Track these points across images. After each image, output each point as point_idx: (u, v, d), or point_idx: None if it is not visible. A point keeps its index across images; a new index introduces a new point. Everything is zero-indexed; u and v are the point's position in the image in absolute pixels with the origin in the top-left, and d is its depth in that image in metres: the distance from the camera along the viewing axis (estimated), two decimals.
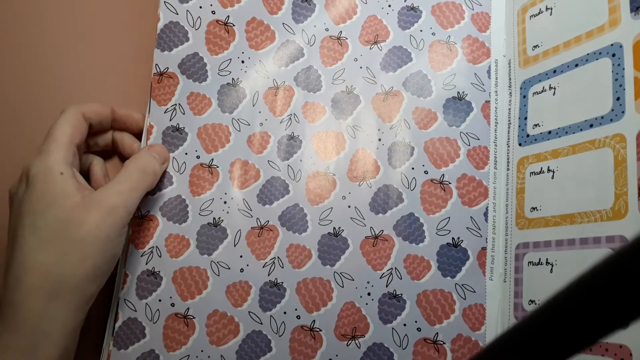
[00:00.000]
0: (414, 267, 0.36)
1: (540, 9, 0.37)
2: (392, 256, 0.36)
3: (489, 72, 0.37)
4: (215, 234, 0.36)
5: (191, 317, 0.34)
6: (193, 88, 0.37)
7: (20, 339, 0.28)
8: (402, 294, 0.35)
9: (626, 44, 0.32)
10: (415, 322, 0.35)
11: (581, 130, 0.33)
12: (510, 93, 0.38)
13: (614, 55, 0.32)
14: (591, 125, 0.33)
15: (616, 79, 0.32)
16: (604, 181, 0.31)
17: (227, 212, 0.36)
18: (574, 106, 0.34)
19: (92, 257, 0.30)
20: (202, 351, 0.33)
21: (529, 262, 0.34)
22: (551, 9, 0.36)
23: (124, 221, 0.32)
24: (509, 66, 0.38)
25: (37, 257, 0.29)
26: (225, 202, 0.36)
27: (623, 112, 0.31)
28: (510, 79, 0.38)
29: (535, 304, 0.33)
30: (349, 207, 0.37)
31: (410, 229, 0.36)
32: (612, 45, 0.33)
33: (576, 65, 0.34)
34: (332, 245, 0.36)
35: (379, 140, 0.38)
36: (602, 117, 0.32)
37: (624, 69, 0.32)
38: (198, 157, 0.36)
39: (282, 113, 0.37)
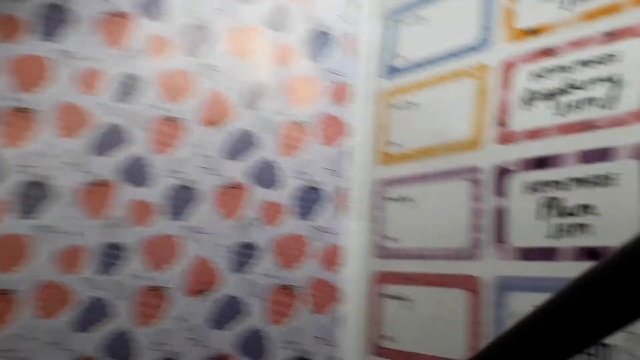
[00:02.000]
0: (270, 212, 0.35)
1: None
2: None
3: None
4: None
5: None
6: None
7: None
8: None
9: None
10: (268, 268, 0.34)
11: (445, 60, 0.32)
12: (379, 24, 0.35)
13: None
14: (456, 55, 0.31)
15: (485, 9, 0.31)
16: (464, 111, 0.30)
17: None
18: (440, 34, 0.32)
19: None
20: None
21: (389, 198, 0.33)
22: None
23: None
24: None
25: None
26: None
27: (490, 41, 0.30)
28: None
29: (396, 240, 0.32)
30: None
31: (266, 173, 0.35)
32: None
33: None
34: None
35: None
36: (467, 47, 0.31)
37: None
38: None
39: None
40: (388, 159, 0.33)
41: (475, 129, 0.30)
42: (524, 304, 0.27)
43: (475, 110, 0.30)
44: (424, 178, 0.31)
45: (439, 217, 0.31)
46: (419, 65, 0.32)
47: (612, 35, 0.27)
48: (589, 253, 0.26)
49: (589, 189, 0.26)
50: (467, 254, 0.30)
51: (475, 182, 0.29)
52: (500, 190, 0.29)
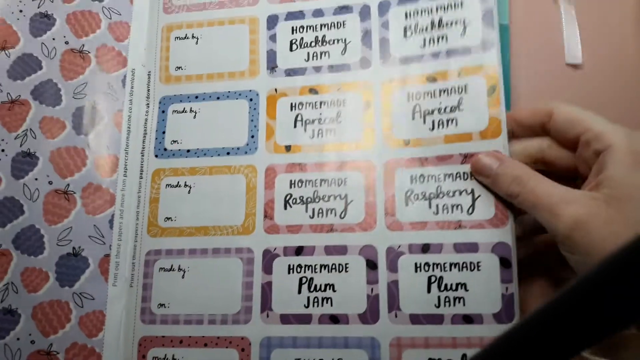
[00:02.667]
0: (31, 280, 0.33)
1: (186, 34, 0.39)
2: (9, 271, 0.35)
3: (124, 81, 0.36)
4: None
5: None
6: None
7: None
8: (17, 309, 0.34)
9: (262, 94, 0.38)
10: (30, 334, 0.33)
11: (219, 155, 0.37)
12: (148, 104, 0.38)
13: (251, 99, 0.37)
14: (228, 153, 0.37)
15: (252, 120, 0.37)
16: (237, 201, 0.36)
17: None
18: (213, 133, 0.37)
19: None
20: None
21: (160, 268, 0.36)
22: (197, 38, 0.39)
23: None
24: (149, 77, 0.38)
25: None
26: None
27: (256, 148, 0.36)
28: (149, 91, 0.38)
29: (165, 307, 0.35)
30: None
31: (30, 240, 0.33)
32: (250, 90, 0.38)
33: (218, 97, 0.37)
34: None
35: (2, 150, 0.38)
36: (239, 148, 0.37)
37: (259, 113, 0.37)
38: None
39: None
40: (161, 231, 0.34)
41: (248, 218, 0.34)
42: (286, 357, 0.33)
43: (246, 202, 0.35)
44: (197, 252, 0.34)
45: (213, 287, 0.34)
46: (193, 152, 0.36)
47: (342, 164, 0.36)
48: (331, 318, 0.33)
49: (331, 273, 0.34)
50: (239, 319, 0.33)
51: (248, 261, 0.34)
52: (267, 269, 0.34)
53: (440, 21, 0.35)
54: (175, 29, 0.38)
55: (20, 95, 0.38)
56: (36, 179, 0.37)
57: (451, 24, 0.35)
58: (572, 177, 0.31)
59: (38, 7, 0.40)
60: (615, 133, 0.27)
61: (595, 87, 0.37)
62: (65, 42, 0.39)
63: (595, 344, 0.14)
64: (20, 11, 0.40)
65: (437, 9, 0.35)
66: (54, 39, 0.40)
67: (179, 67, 0.37)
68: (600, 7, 0.39)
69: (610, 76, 0.37)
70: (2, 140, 0.38)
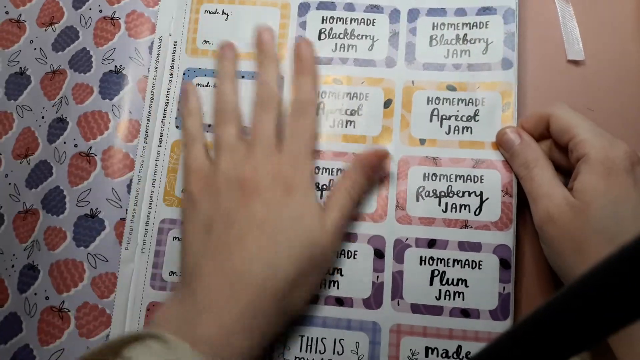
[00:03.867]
0: (52, 239, 0.34)
1: (217, 9, 0.39)
2: (36, 229, 0.36)
3: (150, 47, 0.37)
4: None
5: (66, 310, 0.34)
6: None
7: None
8: (38, 265, 0.35)
9: (287, 78, 0.39)
10: (45, 291, 0.33)
11: None
12: (172, 74, 0.39)
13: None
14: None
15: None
16: None
17: None
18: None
19: None
20: None
21: (174, 237, 0.37)
22: (227, 14, 0.39)
23: None
24: (174, 47, 0.39)
25: None
26: None
27: None
28: (174, 61, 0.39)
29: (177, 275, 0.36)
30: (9, 184, 0.37)
31: (55, 201, 0.34)
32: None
33: (243, 76, 0.38)
34: None
35: (42, 118, 0.39)
36: None
37: (283, 97, 0.38)
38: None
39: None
40: (177, 201, 0.35)
41: None
42: (292, 334, 0.36)
43: None
44: None
45: None
46: (213, 129, 0.37)
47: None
48: (337, 300, 0.35)
49: (342, 258, 0.36)
50: None
51: None
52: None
53: (465, 37, 0.37)
54: (206, 1, 0.38)
55: (60, 66, 0.39)
56: (64, 143, 0.38)
57: (475, 41, 0.36)
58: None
59: None
60: (594, 142, 0.29)
61: (597, 82, 0.38)
62: (100, 11, 0.40)
63: (592, 346, 0.15)
64: None
65: (463, 26, 0.37)
66: (90, 9, 0.41)
67: (206, 41, 0.38)
68: (600, 2, 0.40)
69: (612, 71, 0.38)
70: (43, 108, 0.39)
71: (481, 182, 0.35)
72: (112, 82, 0.38)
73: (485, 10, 0.35)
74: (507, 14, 0.35)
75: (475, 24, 0.36)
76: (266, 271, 0.29)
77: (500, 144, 0.35)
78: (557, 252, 0.29)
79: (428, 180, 0.36)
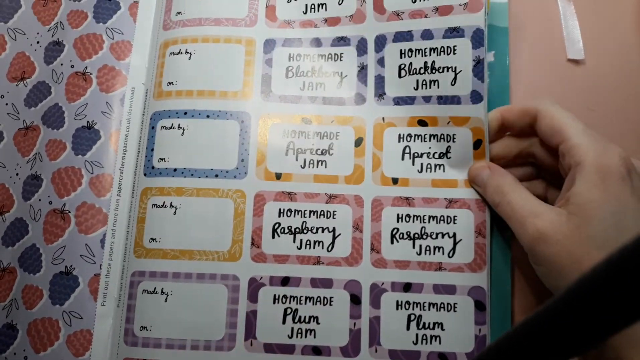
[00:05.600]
0: (29, 297, 0.34)
1: (180, 50, 0.39)
2: (13, 287, 0.36)
3: (122, 100, 0.37)
4: None
5: None
6: None
7: None
8: (16, 324, 0.35)
9: (254, 117, 0.38)
10: (24, 350, 0.34)
11: (207, 176, 0.37)
12: (142, 122, 0.38)
13: (242, 121, 0.38)
14: (216, 175, 0.37)
15: (242, 143, 0.38)
16: (224, 226, 0.37)
17: None
18: (202, 152, 0.37)
19: None
20: None
21: (144, 290, 0.37)
22: (191, 54, 0.39)
23: None
24: (146, 95, 0.39)
25: None
26: None
27: (246, 172, 0.37)
28: (144, 108, 0.39)
29: (147, 329, 0.36)
30: None
31: (31, 259, 0.34)
32: (242, 112, 0.38)
33: (208, 116, 0.38)
34: None
35: (17, 174, 0.39)
36: (228, 171, 0.37)
37: (250, 136, 0.38)
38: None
39: None
40: (146, 252, 0.35)
41: (235, 244, 0.35)
42: None
43: (234, 229, 0.35)
44: (181, 276, 0.35)
45: (197, 312, 0.34)
46: (180, 172, 0.36)
47: (332, 197, 0.36)
48: (314, 349, 0.34)
49: (316, 305, 0.35)
50: (223, 345, 0.34)
51: (233, 288, 0.35)
52: (253, 297, 0.35)
53: (433, 64, 0.36)
54: (171, 44, 0.38)
55: (33, 122, 0.39)
56: (39, 200, 0.38)
57: (443, 69, 0.35)
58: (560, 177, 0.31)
59: (52, 37, 0.42)
60: (588, 148, 0.27)
61: (597, 82, 0.37)
62: (71, 66, 0.40)
63: (588, 350, 0.14)
64: (38, 42, 0.42)
65: (430, 51, 0.36)
66: (62, 64, 0.41)
67: (170, 83, 0.38)
68: (601, 2, 0.39)
69: (612, 71, 0.38)
70: (17, 164, 0.39)
71: (454, 223, 0.34)
72: (85, 137, 0.38)
73: (453, 32, 0.34)
74: (475, 36, 0.34)
75: (442, 50, 0.35)
76: None
77: (472, 180, 0.34)
78: (556, 272, 0.27)
79: (402, 221, 0.35)
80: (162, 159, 0.36)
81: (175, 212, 0.36)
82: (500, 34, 0.39)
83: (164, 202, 0.36)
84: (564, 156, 0.29)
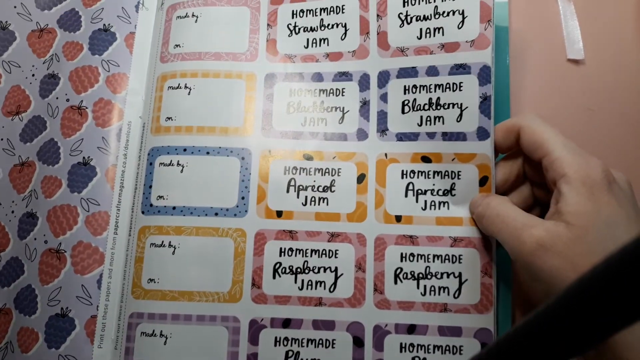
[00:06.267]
0: (24, 340, 0.33)
1: (179, 84, 0.38)
2: (9, 330, 0.35)
3: (118, 134, 0.36)
4: None
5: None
6: None
7: None
8: None
9: (255, 154, 0.37)
10: None
11: (206, 215, 0.36)
12: (140, 157, 0.38)
13: (243, 158, 0.37)
14: (216, 214, 0.36)
15: (243, 180, 0.37)
16: (223, 267, 0.36)
17: None
18: (201, 190, 0.37)
19: None
20: None
21: (142, 333, 0.36)
22: (190, 88, 0.38)
23: None
24: (143, 129, 0.38)
25: None
26: None
27: (246, 211, 0.36)
28: (142, 143, 0.38)
29: None
30: None
31: (27, 300, 0.33)
32: (243, 149, 0.37)
33: (207, 152, 0.37)
34: None
35: (12, 212, 0.38)
36: (227, 210, 0.36)
37: (250, 174, 0.37)
38: None
39: None
40: (144, 293, 0.34)
41: (235, 285, 0.34)
42: None
43: (234, 269, 0.34)
44: (180, 318, 0.34)
45: (196, 356, 0.33)
46: (179, 210, 0.35)
47: (334, 236, 0.38)
48: None
49: (318, 348, 0.34)
50: None
51: (234, 330, 0.34)
52: (254, 339, 0.34)
53: (438, 101, 0.35)
54: (169, 78, 0.37)
55: (29, 157, 0.39)
56: (35, 239, 0.37)
57: (448, 106, 0.34)
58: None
59: (47, 69, 0.41)
60: (571, 161, 0.27)
61: (596, 82, 0.37)
62: (67, 100, 0.40)
63: (586, 351, 0.14)
64: (33, 75, 0.41)
65: (435, 88, 0.35)
66: (57, 97, 0.40)
67: (169, 118, 0.37)
68: (601, 2, 0.39)
69: (612, 71, 0.38)
70: (13, 202, 0.38)
71: (460, 262, 0.33)
72: (81, 174, 0.37)
73: (459, 69, 0.34)
74: (482, 73, 0.33)
75: (448, 86, 0.34)
76: None
77: (470, 210, 0.33)
78: (557, 286, 0.26)
79: (406, 260, 0.34)
80: (160, 197, 0.36)
81: (174, 251, 0.35)
82: (500, 33, 0.39)
83: (162, 242, 0.35)
84: (547, 170, 0.28)
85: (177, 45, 0.40)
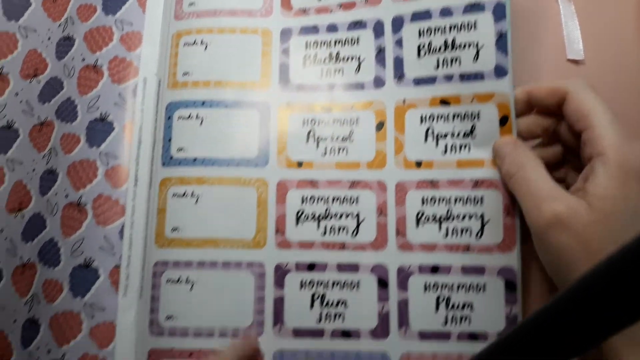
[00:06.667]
0: (49, 291, 0.34)
1: (195, 40, 0.38)
2: (34, 283, 0.36)
3: (135, 90, 0.36)
4: None
5: None
6: None
7: None
8: (39, 319, 0.35)
9: (273, 107, 0.38)
10: (46, 344, 0.33)
11: (228, 165, 0.37)
12: (157, 112, 0.38)
13: (261, 111, 0.37)
14: (238, 164, 0.37)
15: (262, 132, 0.37)
16: (247, 215, 0.36)
17: None
18: (221, 142, 0.37)
19: None
20: None
21: (168, 280, 0.36)
22: (206, 44, 0.38)
23: None
24: (159, 86, 0.38)
25: None
26: None
27: (267, 161, 0.37)
28: (158, 99, 0.38)
29: (173, 319, 0.35)
30: (6, 239, 0.36)
31: (50, 253, 0.33)
32: (261, 102, 0.38)
33: (226, 106, 0.37)
34: None
35: (33, 170, 0.39)
36: (249, 160, 0.37)
37: (269, 126, 0.37)
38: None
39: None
40: (168, 242, 0.34)
41: (259, 232, 0.35)
42: None
43: (257, 216, 0.35)
44: (206, 265, 0.34)
45: (223, 300, 0.35)
46: (200, 161, 0.35)
47: (354, 183, 0.36)
48: (343, 333, 0.34)
49: (343, 289, 0.35)
50: (251, 332, 0.35)
51: (260, 275, 0.35)
52: (279, 283, 0.35)
53: (453, 42, 0.35)
54: (184, 35, 0.37)
55: (47, 117, 0.39)
56: (56, 194, 0.38)
57: (464, 46, 0.35)
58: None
59: (62, 32, 0.42)
60: (612, 141, 0.26)
61: (596, 82, 0.37)
62: (82, 59, 0.40)
63: (589, 349, 0.14)
64: (49, 39, 0.42)
65: (450, 29, 0.35)
66: (73, 58, 0.41)
67: (186, 73, 0.37)
68: (601, 2, 0.39)
69: (612, 71, 0.38)
70: (33, 160, 0.39)
71: (482, 204, 0.34)
72: (98, 130, 0.38)
73: (473, 7, 0.33)
74: (497, 9, 0.32)
75: (463, 25, 0.34)
76: None
77: (495, 153, 0.32)
78: (565, 263, 0.26)
79: (427, 204, 0.35)
80: (180, 149, 0.36)
81: (197, 201, 0.35)
82: None
83: (184, 192, 0.35)
84: (586, 144, 0.28)
85: (191, 4, 0.41)
